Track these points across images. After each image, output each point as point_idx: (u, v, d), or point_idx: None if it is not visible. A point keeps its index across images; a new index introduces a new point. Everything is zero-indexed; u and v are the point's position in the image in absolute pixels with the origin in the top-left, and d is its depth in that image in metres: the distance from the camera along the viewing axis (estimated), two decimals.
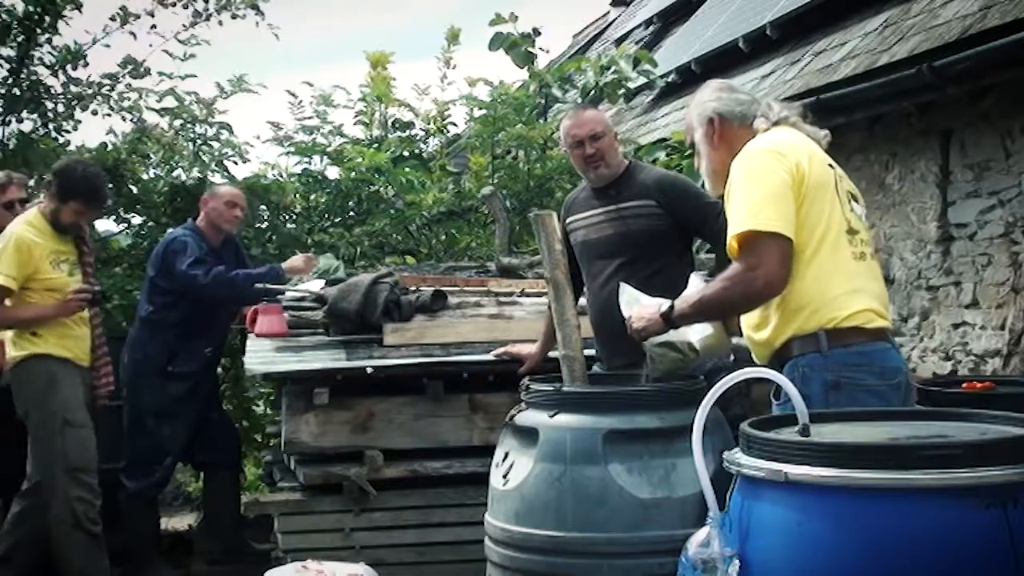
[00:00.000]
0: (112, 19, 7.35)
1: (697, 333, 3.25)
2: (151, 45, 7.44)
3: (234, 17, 7.51)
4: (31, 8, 7.03)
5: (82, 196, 4.83)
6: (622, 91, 8.27)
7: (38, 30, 7.11)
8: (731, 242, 2.88)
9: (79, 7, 7.15)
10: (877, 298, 2.94)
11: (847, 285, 2.88)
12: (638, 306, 3.27)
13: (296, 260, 5.65)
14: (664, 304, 3.14)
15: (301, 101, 7.90)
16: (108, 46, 7.41)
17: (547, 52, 8.64)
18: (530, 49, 8.00)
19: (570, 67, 8.20)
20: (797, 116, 3.12)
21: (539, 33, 8.11)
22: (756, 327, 3.00)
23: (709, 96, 3.21)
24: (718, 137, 3.14)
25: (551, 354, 4.22)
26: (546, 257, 3.60)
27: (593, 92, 8.02)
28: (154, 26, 7.38)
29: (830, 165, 3.01)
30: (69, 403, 4.80)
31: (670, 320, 3.12)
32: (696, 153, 3.24)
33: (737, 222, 2.86)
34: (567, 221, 4.32)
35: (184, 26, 7.45)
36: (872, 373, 2.86)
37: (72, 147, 7.36)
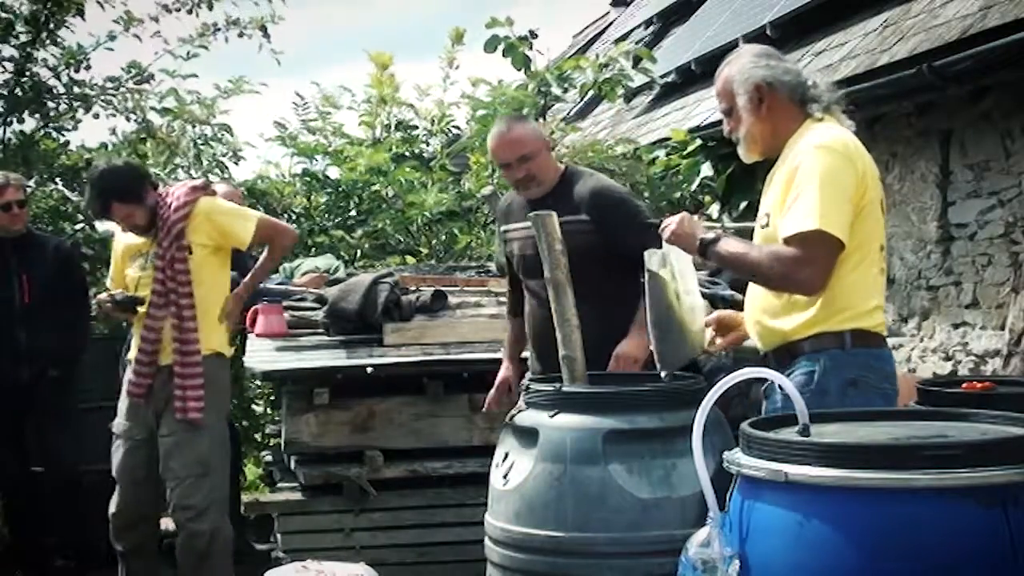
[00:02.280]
0: (116, 22, 7.36)
1: (695, 304, 3.22)
2: (156, 53, 7.49)
3: (240, 36, 7.53)
4: (36, 7, 7.04)
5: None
6: (621, 92, 8.26)
7: (43, 33, 7.11)
8: (793, 232, 2.87)
9: (82, 13, 7.16)
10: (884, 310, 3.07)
11: (876, 299, 3.01)
12: (684, 217, 3.11)
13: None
14: (710, 233, 3.06)
15: (307, 102, 7.92)
16: (112, 49, 7.43)
17: (543, 54, 8.64)
18: (527, 52, 8.01)
19: (569, 65, 8.20)
20: (838, 106, 3.10)
21: (535, 36, 8.13)
22: (776, 314, 3.01)
23: (753, 62, 3.10)
24: (767, 108, 3.06)
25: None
26: (546, 257, 3.59)
27: (592, 91, 8.02)
28: (158, 32, 7.41)
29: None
30: (117, 409, 4.56)
31: (705, 250, 3.02)
32: (733, 118, 3.13)
33: (807, 216, 2.85)
34: (503, 229, 4.13)
35: (191, 36, 7.50)
36: (883, 376, 2.97)
37: (73, 147, 7.37)
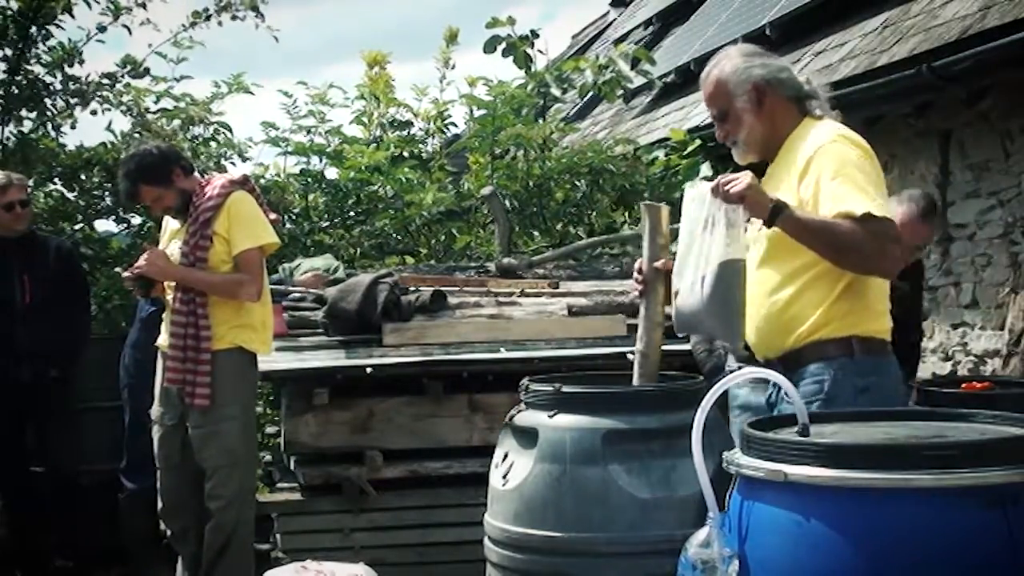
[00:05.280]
0: (103, 13, 7.29)
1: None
2: (150, 45, 7.44)
3: (234, 19, 7.46)
4: (24, 5, 7.01)
5: None
6: (620, 93, 8.26)
7: (33, 28, 7.08)
8: (881, 214, 2.77)
9: (70, 10, 7.13)
10: None
11: (885, 303, 2.95)
12: (751, 176, 2.82)
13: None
14: (776, 196, 2.80)
15: (296, 101, 7.89)
16: (103, 42, 7.39)
17: (544, 53, 8.64)
18: (528, 51, 8.01)
19: (568, 67, 8.20)
20: (828, 105, 3.04)
21: (537, 35, 8.14)
22: (780, 321, 2.92)
23: (747, 62, 3.01)
24: (767, 107, 2.98)
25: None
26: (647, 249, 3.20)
27: (592, 92, 8.02)
28: (148, 20, 7.30)
29: None
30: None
31: (777, 211, 2.76)
32: (729, 122, 3.02)
33: (870, 202, 2.76)
34: None
35: (183, 26, 7.41)
36: (896, 379, 2.96)
37: (71, 146, 7.36)
